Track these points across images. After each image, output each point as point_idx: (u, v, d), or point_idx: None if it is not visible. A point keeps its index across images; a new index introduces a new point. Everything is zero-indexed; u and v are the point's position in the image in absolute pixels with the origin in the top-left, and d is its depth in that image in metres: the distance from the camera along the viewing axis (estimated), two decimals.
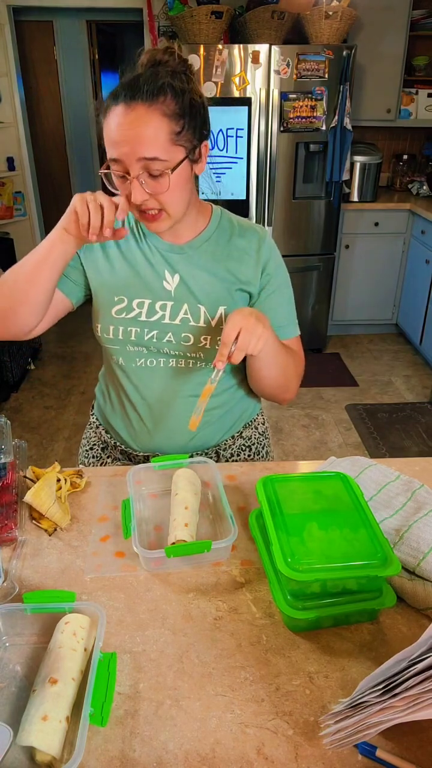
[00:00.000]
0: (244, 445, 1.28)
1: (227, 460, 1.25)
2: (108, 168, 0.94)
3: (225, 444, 1.24)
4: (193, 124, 0.94)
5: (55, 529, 0.98)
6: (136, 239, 1.09)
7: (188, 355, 1.10)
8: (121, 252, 1.09)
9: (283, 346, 1.10)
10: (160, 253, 1.08)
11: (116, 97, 0.91)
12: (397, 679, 0.57)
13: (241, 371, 1.20)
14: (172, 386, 1.13)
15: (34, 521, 0.99)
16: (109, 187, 0.98)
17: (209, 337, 1.08)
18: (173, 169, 0.92)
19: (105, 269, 1.10)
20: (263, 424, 1.34)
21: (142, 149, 0.89)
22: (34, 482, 1.03)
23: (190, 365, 1.12)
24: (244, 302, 1.12)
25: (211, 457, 1.23)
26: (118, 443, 1.24)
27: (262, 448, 1.33)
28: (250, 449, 1.29)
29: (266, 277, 1.11)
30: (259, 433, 1.32)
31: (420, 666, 0.56)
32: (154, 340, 1.09)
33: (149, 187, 0.93)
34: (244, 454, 1.28)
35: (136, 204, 0.94)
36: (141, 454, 1.21)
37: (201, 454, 1.21)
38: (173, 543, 0.90)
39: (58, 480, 1.05)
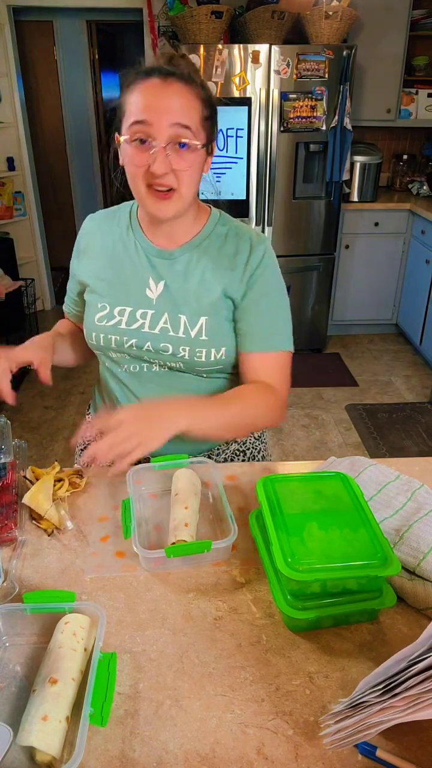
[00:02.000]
0: (238, 450, 1.25)
1: None
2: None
3: (219, 449, 1.23)
4: (212, 119, 0.97)
5: (54, 531, 0.98)
6: (125, 247, 1.09)
7: (168, 364, 1.10)
8: (110, 260, 1.10)
9: (229, 401, 1.03)
10: (147, 259, 1.07)
11: (148, 73, 0.91)
12: (397, 679, 0.57)
13: (236, 376, 1.17)
14: (158, 390, 1.13)
15: (33, 521, 0.99)
16: (121, 161, 0.98)
17: (187, 348, 1.06)
18: (203, 146, 0.94)
19: (93, 278, 1.11)
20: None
21: (178, 115, 0.89)
22: (34, 483, 1.03)
23: (174, 371, 1.11)
24: (229, 310, 1.08)
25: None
26: None
27: (258, 452, 1.30)
28: (245, 454, 1.26)
29: (251, 282, 1.06)
30: (254, 438, 1.29)
31: (420, 666, 0.56)
32: (134, 348, 1.08)
33: (173, 161, 0.92)
34: (238, 459, 1.25)
35: (156, 175, 0.91)
36: None
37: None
38: (173, 543, 0.90)
39: (59, 480, 1.05)
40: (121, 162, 1.00)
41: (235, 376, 1.17)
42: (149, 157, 0.91)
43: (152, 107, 0.89)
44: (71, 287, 1.22)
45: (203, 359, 1.08)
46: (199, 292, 1.06)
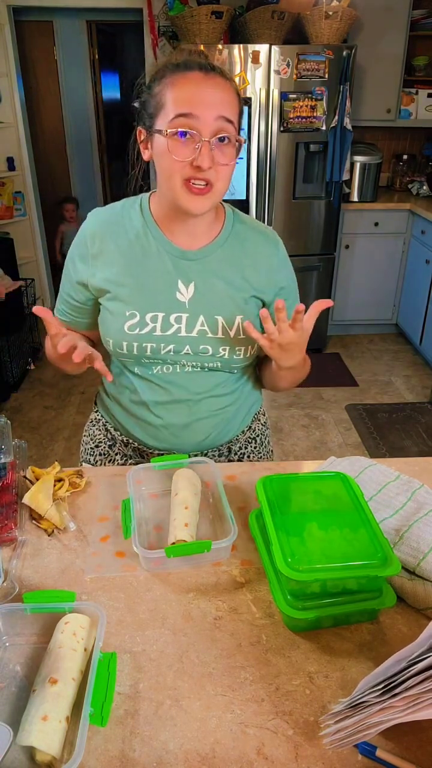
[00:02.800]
0: (251, 437, 1.29)
1: (235, 454, 1.26)
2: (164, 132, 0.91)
3: (236, 438, 1.26)
4: (242, 115, 0.98)
5: (54, 531, 0.98)
6: (143, 249, 1.05)
7: (205, 364, 1.10)
8: (128, 264, 1.05)
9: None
10: (171, 261, 1.05)
11: (188, 66, 0.91)
12: (396, 679, 0.57)
13: (250, 366, 1.20)
14: (191, 388, 1.13)
15: (34, 521, 0.99)
16: (150, 155, 0.97)
17: (227, 348, 1.07)
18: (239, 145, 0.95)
19: (112, 284, 1.06)
20: (264, 415, 1.35)
21: (222, 108, 0.90)
22: (34, 483, 1.03)
23: (207, 370, 1.12)
24: (258, 307, 1.10)
25: (222, 453, 1.24)
26: (131, 441, 1.23)
27: (266, 438, 1.35)
28: (256, 441, 1.30)
29: (277, 281, 1.11)
30: (261, 424, 1.33)
31: (420, 666, 0.56)
32: (171, 353, 1.07)
33: (215, 155, 0.92)
34: (251, 447, 1.29)
35: (201, 169, 0.91)
36: (157, 452, 1.20)
37: (215, 450, 1.22)
38: (173, 543, 0.90)
39: (59, 480, 1.06)
40: (148, 156, 0.99)
41: (252, 367, 1.22)
42: (193, 150, 0.90)
43: (197, 100, 0.89)
44: (72, 292, 1.12)
45: (241, 356, 1.10)
46: (230, 292, 1.07)
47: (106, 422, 1.28)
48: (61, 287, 1.15)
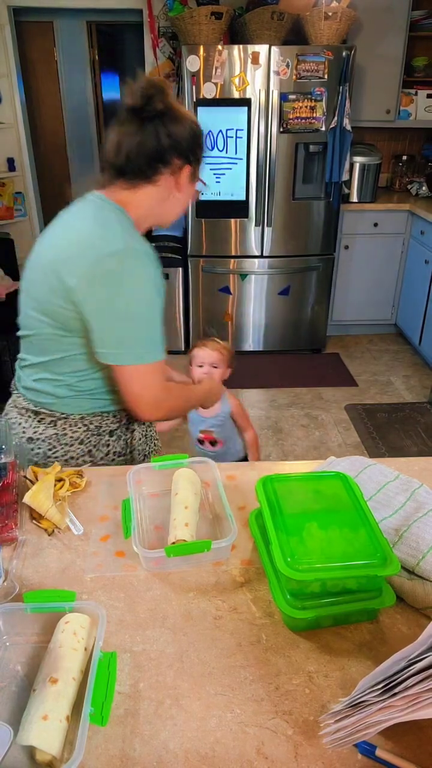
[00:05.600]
0: None
1: None
2: None
3: None
4: None
5: (54, 530, 0.98)
6: None
7: None
8: None
9: None
10: None
11: None
12: (396, 679, 0.58)
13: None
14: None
15: (34, 521, 0.99)
16: (184, 189, 1.16)
17: None
18: None
19: None
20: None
21: None
22: (34, 483, 1.03)
23: None
24: None
25: None
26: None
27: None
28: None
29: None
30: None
31: (419, 665, 0.56)
32: None
33: None
34: None
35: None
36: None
37: None
38: (173, 542, 0.90)
39: (59, 480, 1.06)
40: (181, 187, 1.14)
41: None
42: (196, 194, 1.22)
43: None
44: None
45: None
46: None
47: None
48: (159, 326, 1.11)
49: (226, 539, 0.88)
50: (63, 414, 1.21)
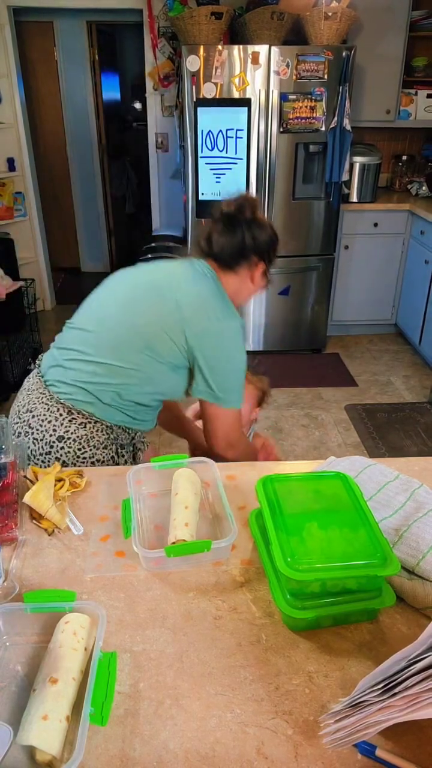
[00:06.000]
0: None
1: None
2: None
3: None
4: None
5: (54, 530, 0.98)
6: None
7: None
8: None
9: None
10: None
11: None
12: (396, 679, 0.58)
13: None
14: None
15: (34, 521, 0.99)
16: (256, 282, 1.36)
17: None
18: None
19: None
20: None
21: None
22: (34, 483, 1.03)
23: None
24: None
25: None
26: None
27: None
28: None
29: None
30: None
31: (419, 665, 0.56)
32: None
33: None
34: None
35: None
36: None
37: None
38: (173, 542, 0.90)
39: (59, 480, 1.06)
40: (254, 280, 1.35)
41: None
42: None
43: None
44: None
45: None
46: None
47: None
48: (244, 378, 1.33)
49: (226, 539, 0.88)
50: (96, 419, 1.26)
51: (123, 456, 1.33)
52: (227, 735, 0.67)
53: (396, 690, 0.57)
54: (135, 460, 1.38)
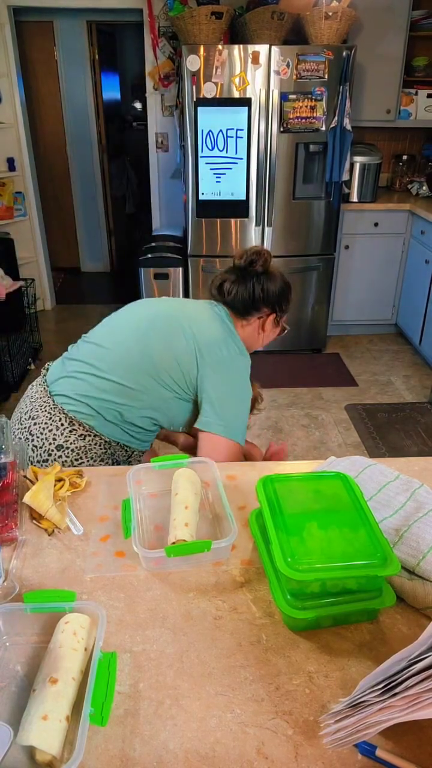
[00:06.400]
0: None
1: None
2: None
3: None
4: None
5: (54, 530, 0.98)
6: None
7: None
8: None
9: None
10: None
11: None
12: (396, 679, 0.57)
13: None
14: None
15: (34, 521, 0.99)
16: (267, 328, 1.42)
17: None
18: None
19: None
20: None
21: None
22: (34, 483, 1.03)
23: None
24: None
25: None
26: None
27: None
28: None
29: None
30: None
31: (420, 665, 0.56)
32: None
33: None
34: None
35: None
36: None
37: None
38: (173, 542, 0.90)
39: (59, 480, 1.06)
40: (265, 329, 1.41)
41: None
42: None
43: None
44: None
45: None
46: None
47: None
48: (247, 416, 1.36)
49: (226, 539, 0.88)
50: (96, 433, 1.27)
51: None
52: (227, 735, 0.67)
53: (396, 690, 0.57)
54: None
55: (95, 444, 1.28)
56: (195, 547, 0.88)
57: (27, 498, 0.98)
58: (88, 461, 1.28)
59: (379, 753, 0.64)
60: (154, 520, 1.01)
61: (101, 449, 1.29)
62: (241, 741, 0.66)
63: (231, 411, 1.29)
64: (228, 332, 1.33)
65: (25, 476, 1.06)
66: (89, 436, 1.27)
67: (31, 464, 1.26)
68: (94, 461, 1.29)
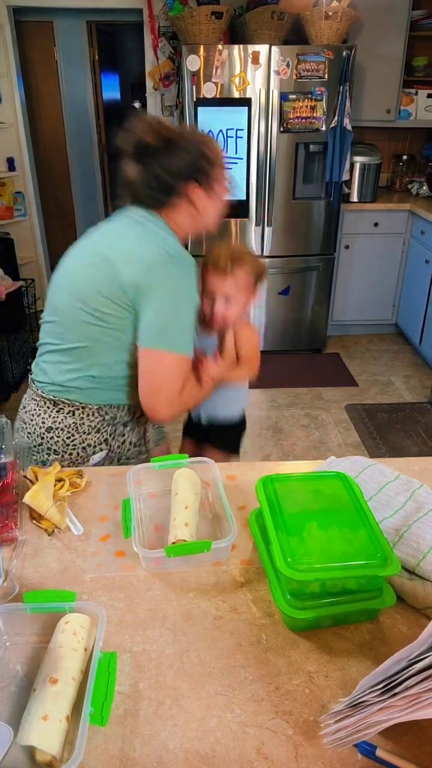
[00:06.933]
0: None
1: None
2: None
3: None
4: None
5: (54, 530, 0.98)
6: None
7: None
8: None
9: None
10: None
11: None
12: (396, 679, 0.57)
13: None
14: None
15: (34, 521, 0.99)
16: (204, 206, 1.24)
17: None
18: None
19: None
20: None
21: None
22: (34, 483, 1.03)
23: None
24: None
25: None
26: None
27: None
28: None
29: None
30: None
31: (420, 665, 0.56)
32: None
33: None
34: None
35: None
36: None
37: None
38: (173, 542, 0.90)
39: (59, 480, 1.06)
40: (199, 206, 1.21)
41: None
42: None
43: None
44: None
45: None
46: None
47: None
48: (191, 323, 1.21)
49: (226, 539, 0.88)
50: (81, 404, 1.27)
51: (125, 435, 1.35)
52: (227, 735, 0.67)
53: (396, 690, 0.57)
54: (145, 438, 1.42)
55: (86, 415, 1.27)
56: (195, 547, 0.88)
57: (27, 498, 0.98)
58: (80, 435, 1.27)
59: (379, 753, 0.64)
60: (154, 520, 1.01)
61: (95, 418, 1.28)
62: (241, 741, 0.66)
63: (169, 321, 1.16)
64: (150, 238, 1.16)
65: (25, 476, 1.06)
66: (78, 410, 1.26)
67: (28, 449, 1.29)
68: (88, 434, 1.28)
